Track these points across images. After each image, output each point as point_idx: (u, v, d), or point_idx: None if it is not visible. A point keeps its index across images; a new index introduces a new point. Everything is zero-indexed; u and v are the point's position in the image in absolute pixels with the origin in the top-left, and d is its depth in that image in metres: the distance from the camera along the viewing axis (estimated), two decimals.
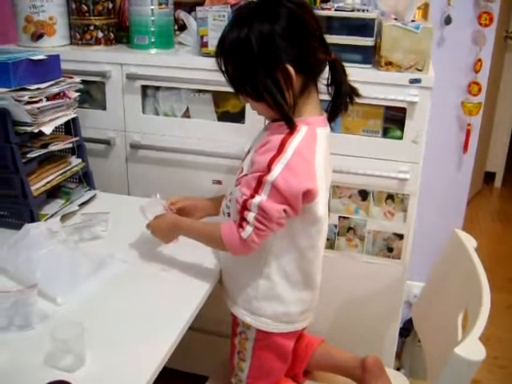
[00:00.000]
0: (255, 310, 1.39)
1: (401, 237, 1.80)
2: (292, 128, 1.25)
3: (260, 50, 1.20)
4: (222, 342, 1.58)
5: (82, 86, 1.71)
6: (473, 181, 2.72)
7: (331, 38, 1.66)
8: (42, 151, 1.58)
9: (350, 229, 1.83)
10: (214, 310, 1.44)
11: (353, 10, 1.71)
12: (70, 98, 1.64)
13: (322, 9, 1.74)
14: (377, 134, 1.75)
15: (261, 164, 1.23)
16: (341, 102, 1.33)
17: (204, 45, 1.81)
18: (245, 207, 1.23)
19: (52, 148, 1.60)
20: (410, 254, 1.84)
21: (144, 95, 1.92)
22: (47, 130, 1.55)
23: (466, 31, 2.17)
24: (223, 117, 1.87)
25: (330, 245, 1.84)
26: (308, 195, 1.25)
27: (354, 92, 1.34)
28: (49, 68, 1.58)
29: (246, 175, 1.30)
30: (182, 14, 2.02)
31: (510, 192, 4.32)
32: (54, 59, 1.61)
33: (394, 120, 1.73)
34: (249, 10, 1.26)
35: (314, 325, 1.52)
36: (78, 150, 1.73)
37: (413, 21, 1.69)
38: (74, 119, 1.69)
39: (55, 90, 1.58)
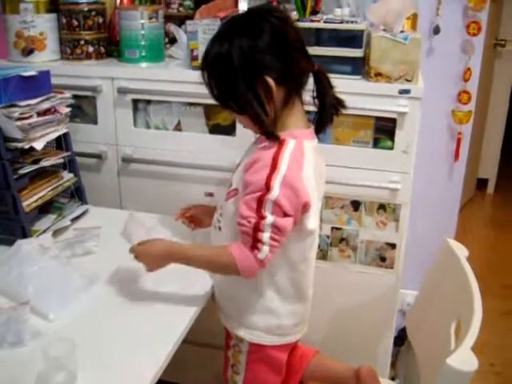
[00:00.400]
0: (248, 323, 1.39)
1: (393, 246, 1.81)
2: (274, 141, 1.25)
3: (240, 64, 1.21)
4: (216, 354, 1.58)
5: (72, 101, 1.72)
6: (465, 188, 2.74)
7: (321, 50, 1.70)
8: (34, 167, 1.58)
9: (342, 239, 1.83)
10: (208, 322, 1.44)
11: (342, 22, 1.72)
12: (60, 114, 1.64)
13: (311, 21, 1.75)
14: (367, 145, 1.76)
15: (257, 184, 1.22)
16: (326, 113, 1.33)
17: (194, 58, 1.81)
18: (257, 229, 1.21)
19: (43, 163, 1.61)
20: (403, 262, 1.84)
21: (135, 109, 1.92)
22: (38, 145, 1.55)
23: (455, 41, 2.18)
24: (214, 129, 1.88)
25: (323, 255, 1.85)
26: (304, 208, 1.26)
27: (339, 103, 1.34)
28: (39, 84, 1.58)
29: (235, 190, 1.31)
30: (173, 28, 2.03)
31: (503, 198, 4.33)
32: (45, 75, 1.61)
33: (384, 130, 1.74)
34: (231, 25, 1.27)
35: (308, 335, 1.52)
36: (70, 165, 1.73)
37: (402, 31, 1.70)
38: (65, 134, 1.69)
39: (46, 105, 1.59)
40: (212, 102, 1.32)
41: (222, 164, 1.81)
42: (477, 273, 1.34)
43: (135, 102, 1.91)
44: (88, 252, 1.54)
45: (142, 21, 1.88)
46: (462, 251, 1.45)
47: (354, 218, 1.81)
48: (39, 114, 1.56)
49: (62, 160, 1.69)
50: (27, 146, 1.52)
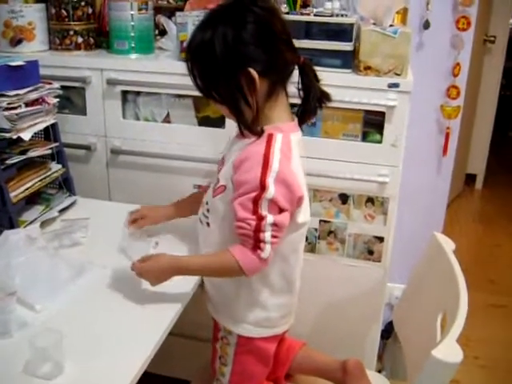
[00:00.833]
0: (237, 316, 1.40)
1: (381, 239, 1.81)
2: (255, 135, 1.25)
3: (223, 54, 1.20)
4: (203, 346, 1.58)
5: (61, 92, 1.71)
6: (454, 183, 2.75)
7: (310, 43, 1.70)
8: (21, 157, 1.57)
9: (330, 232, 1.84)
10: (195, 314, 1.44)
11: (332, 15, 1.72)
12: (49, 104, 1.63)
13: (302, 14, 1.76)
14: (356, 138, 1.76)
15: (251, 183, 1.21)
16: (310, 106, 1.32)
17: (184, 50, 1.80)
18: (258, 230, 1.21)
19: (31, 154, 1.60)
20: (391, 256, 1.85)
21: (124, 100, 1.91)
22: (26, 136, 1.54)
23: (445, 35, 2.19)
24: (204, 122, 1.88)
25: (311, 248, 1.85)
26: (299, 202, 1.27)
27: (324, 96, 1.33)
28: (27, 74, 1.57)
29: (223, 186, 1.30)
30: (163, 19, 2.02)
31: (491, 193, 4.36)
32: (33, 65, 1.60)
33: (373, 124, 1.75)
34: (215, 14, 1.26)
35: (296, 328, 1.53)
36: (58, 156, 1.72)
37: (391, 25, 1.71)
38: (53, 125, 1.68)
39: (34, 95, 1.58)
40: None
41: (210, 156, 1.81)
42: (464, 267, 1.35)
43: (124, 93, 1.90)
44: (76, 243, 1.53)
45: (132, 12, 1.87)
46: (448, 245, 1.46)
47: (343, 211, 1.81)
48: (27, 105, 1.55)
49: (50, 151, 1.68)
50: (15, 137, 1.51)
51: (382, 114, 1.70)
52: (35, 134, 1.62)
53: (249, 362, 1.44)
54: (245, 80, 1.21)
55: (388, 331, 2.07)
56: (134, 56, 1.92)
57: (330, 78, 1.65)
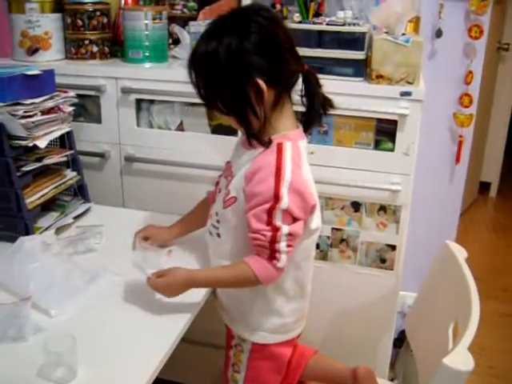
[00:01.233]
0: (253, 325, 1.40)
1: (393, 248, 1.81)
2: (262, 145, 1.25)
3: (228, 64, 1.19)
4: (216, 354, 1.59)
5: (76, 100, 1.73)
6: (467, 191, 2.74)
7: (323, 52, 1.71)
8: (37, 165, 1.59)
9: (342, 240, 1.84)
10: (208, 321, 1.45)
11: (344, 24, 1.73)
12: (64, 112, 1.65)
13: (314, 23, 1.77)
14: (369, 147, 1.77)
15: (264, 194, 1.21)
16: (315, 113, 1.32)
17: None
18: (274, 241, 1.21)
19: (47, 161, 1.62)
20: (404, 264, 1.85)
21: (138, 108, 1.94)
22: (42, 143, 1.56)
23: (457, 44, 2.20)
24: (216, 130, 1.89)
25: (323, 256, 1.86)
26: (312, 210, 1.28)
27: (327, 103, 1.33)
28: (43, 83, 1.59)
29: (234, 198, 1.30)
30: (176, 29, 2.04)
31: (505, 202, 4.33)
32: (49, 74, 1.62)
33: (385, 132, 1.75)
34: (219, 24, 1.25)
35: (308, 335, 1.53)
36: (73, 163, 1.74)
37: (403, 34, 1.72)
38: (68, 133, 1.70)
39: (50, 104, 1.60)
40: None
41: (223, 164, 1.81)
42: (478, 275, 1.34)
43: (138, 101, 1.93)
44: (90, 249, 1.55)
45: (146, 21, 1.89)
46: (461, 253, 1.46)
47: (355, 219, 1.82)
48: (43, 113, 1.57)
49: (65, 158, 1.70)
50: (31, 144, 1.53)
51: (395, 122, 1.70)
52: (51, 141, 1.64)
53: (262, 368, 1.45)
54: (252, 91, 1.20)
55: (401, 340, 2.05)
56: (148, 65, 1.94)
57: (342, 86, 1.68)
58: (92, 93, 1.93)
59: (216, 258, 1.42)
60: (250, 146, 1.30)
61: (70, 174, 1.73)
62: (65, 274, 1.36)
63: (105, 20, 1.99)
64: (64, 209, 1.70)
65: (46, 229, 1.61)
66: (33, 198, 1.58)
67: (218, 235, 1.38)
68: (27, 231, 1.55)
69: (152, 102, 1.93)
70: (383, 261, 1.83)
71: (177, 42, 2.07)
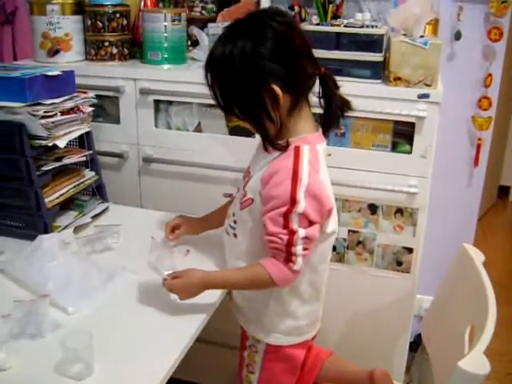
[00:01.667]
0: (267, 326, 1.40)
1: (410, 250, 1.81)
2: (279, 150, 1.25)
3: (243, 68, 1.19)
4: (231, 354, 1.59)
5: (95, 101, 1.75)
6: (486, 195, 2.72)
7: (341, 54, 1.71)
8: (56, 164, 1.61)
9: (359, 242, 1.84)
10: (223, 322, 1.45)
11: (362, 26, 1.73)
12: (83, 113, 1.67)
13: (332, 25, 1.77)
14: (386, 149, 1.77)
15: (281, 198, 1.21)
16: (333, 115, 1.31)
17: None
18: (290, 244, 1.22)
19: (66, 161, 1.64)
20: (420, 267, 1.84)
21: (157, 109, 1.95)
22: (61, 143, 1.58)
23: (476, 46, 2.18)
24: (234, 131, 1.90)
25: (340, 258, 1.86)
26: (328, 213, 1.28)
27: (345, 105, 1.32)
28: (63, 83, 1.61)
29: (250, 199, 1.31)
30: (195, 30, 2.06)
31: None
32: (69, 75, 1.64)
33: (403, 135, 1.75)
34: (235, 28, 1.25)
35: (324, 337, 1.53)
36: (92, 163, 1.76)
37: (422, 36, 1.71)
38: (87, 133, 1.72)
39: (69, 104, 1.62)
40: None
41: (241, 165, 1.82)
42: (496, 280, 1.33)
43: (157, 102, 1.94)
44: (107, 248, 1.56)
45: (165, 23, 1.91)
46: (478, 256, 1.45)
47: (372, 222, 1.81)
48: (63, 113, 1.59)
49: (84, 158, 1.71)
50: (51, 144, 1.55)
51: (412, 124, 1.70)
52: (70, 141, 1.66)
53: (276, 369, 1.45)
54: (268, 96, 1.20)
55: (417, 343, 2.04)
56: (166, 66, 1.95)
57: (359, 88, 1.67)
58: (111, 94, 1.95)
59: (232, 258, 1.42)
60: (266, 150, 1.30)
61: (89, 174, 1.75)
62: (82, 272, 1.37)
63: (124, 22, 2.01)
64: (82, 208, 1.72)
65: (65, 227, 1.63)
66: (52, 197, 1.60)
67: (235, 235, 1.39)
68: (46, 230, 1.57)
69: (170, 103, 1.94)
70: (400, 263, 1.82)
71: (195, 43, 2.08)
